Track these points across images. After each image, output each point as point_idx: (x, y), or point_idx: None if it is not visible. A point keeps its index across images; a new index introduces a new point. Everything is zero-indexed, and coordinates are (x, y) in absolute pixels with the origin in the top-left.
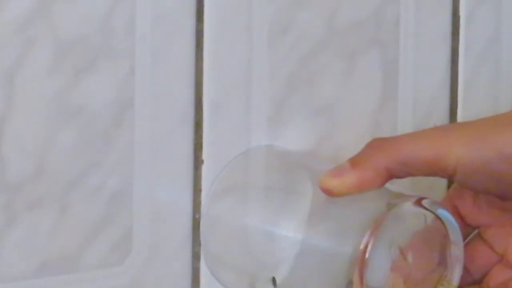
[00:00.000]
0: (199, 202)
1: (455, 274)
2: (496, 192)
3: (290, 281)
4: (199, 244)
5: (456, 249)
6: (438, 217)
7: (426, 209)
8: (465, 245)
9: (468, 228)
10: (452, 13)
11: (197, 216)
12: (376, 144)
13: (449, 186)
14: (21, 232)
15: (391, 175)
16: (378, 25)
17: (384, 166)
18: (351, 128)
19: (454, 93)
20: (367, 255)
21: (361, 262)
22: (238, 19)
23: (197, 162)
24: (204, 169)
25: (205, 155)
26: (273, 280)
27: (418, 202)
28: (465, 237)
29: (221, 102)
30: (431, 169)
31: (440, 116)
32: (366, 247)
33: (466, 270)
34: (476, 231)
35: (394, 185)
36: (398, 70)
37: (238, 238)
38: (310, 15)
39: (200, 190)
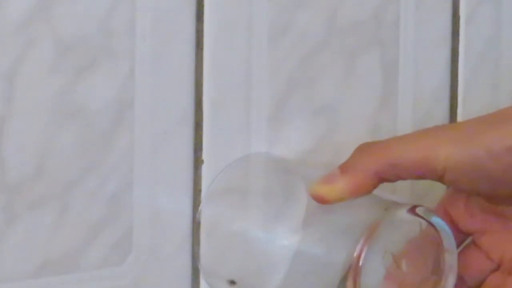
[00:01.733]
0: (199, 203)
1: (449, 283)
2: (486, 192)
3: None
4: (199, 244)
5: (450, 257)
6: (432, 225)
7: (420, 217)
8: (459, 253)
9: (462, 235)
10: (452, 13)
11: (197, 216)
12: (364, 149)
13: None
14: (21, 232)
15: (381, 179)
16: (378, 25)
17: (374, 170)
18: (351, 128)
19: (454, 93)
20: (361, 263)
21: (355, 270)
22: (238, 19)
23: (197, 162)
24: (204, 169)
25: (205, 155)
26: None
27: (412, 210)
28: (459, 244)
29: (221, 102)
30: (420, 171)
31: (440, 116)
32: (360, 254)
33: (460, 277)
34: (470, 238)
35: (392, 194)
36: (398, 70)
37: (232, 243)
38: (310, 15)
39: (200, 191)
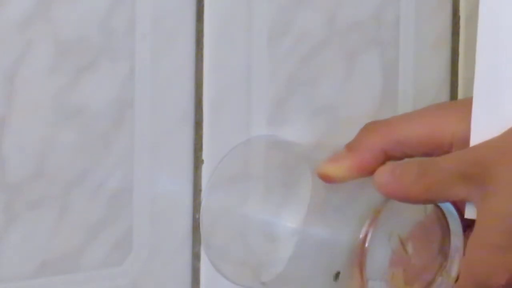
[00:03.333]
0: (199, 202)
1: (455, 265)
2: None
3: (290, 271)
4: (199, 244)
5: (456, 240)
6: (438, 207)
7: None
8: (464, 237)
9: (466, 219)
10: (452, 13)
11: (197, 216)
12: (370, 127)
13: None
14: (21, 232)
15: (387, 157)
16: (378, 25)
17: (380, 147)
18: (351, 128)
19: (454, 93)
20: (366, 244)
21: (360, 251)
22: (238, 19)
23: (197, 162)
24: (204, 169)
25: (205, 155)
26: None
27: None
28: (463, 229)
29: (221, 102)
30: (427, 146)
31: None
32: (365, 236)
33: None
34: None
35: None
36: (398, 70)
37: (238, 229)
38: (310, 15)
39: (200, 190)
